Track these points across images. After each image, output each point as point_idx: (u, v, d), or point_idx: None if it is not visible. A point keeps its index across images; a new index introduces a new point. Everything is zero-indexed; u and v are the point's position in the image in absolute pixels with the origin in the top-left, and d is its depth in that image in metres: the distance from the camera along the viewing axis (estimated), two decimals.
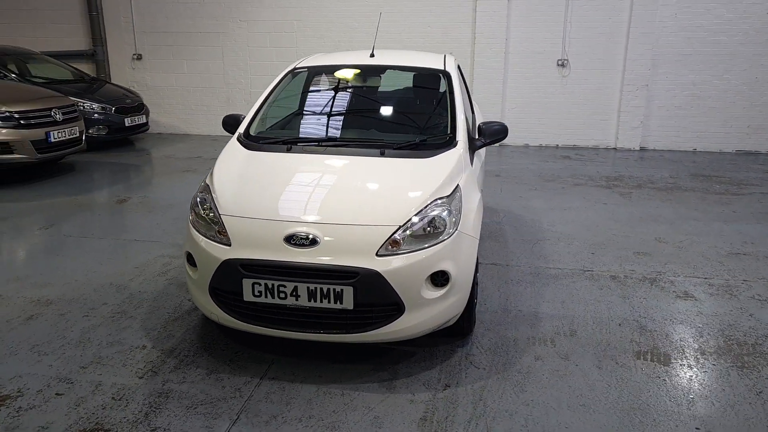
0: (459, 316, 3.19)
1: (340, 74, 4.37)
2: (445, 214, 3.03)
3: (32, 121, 6.78)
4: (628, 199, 6.72)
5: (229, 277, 2.94)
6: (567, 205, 6.45)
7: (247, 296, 2.93)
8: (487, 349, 3.35)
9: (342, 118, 4.08)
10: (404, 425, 2.67)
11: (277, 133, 3.81)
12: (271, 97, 4.09)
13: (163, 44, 10.65)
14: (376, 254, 2.85)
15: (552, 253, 4.92)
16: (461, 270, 3.04)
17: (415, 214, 2.97)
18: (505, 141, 10.72)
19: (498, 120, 5.01)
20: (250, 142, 3.66)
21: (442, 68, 4.16)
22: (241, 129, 3.82)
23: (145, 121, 9.68)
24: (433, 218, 3.00)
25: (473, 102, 5.17)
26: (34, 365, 3.11)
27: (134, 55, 10.77)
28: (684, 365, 3.22)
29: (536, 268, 4.60)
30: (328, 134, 3.81)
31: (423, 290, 2.92)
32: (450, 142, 3.56)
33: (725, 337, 3.54)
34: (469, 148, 3.73)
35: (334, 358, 3.20)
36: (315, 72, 4.38)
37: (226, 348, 3.31)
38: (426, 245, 2.93)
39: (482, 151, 4.70)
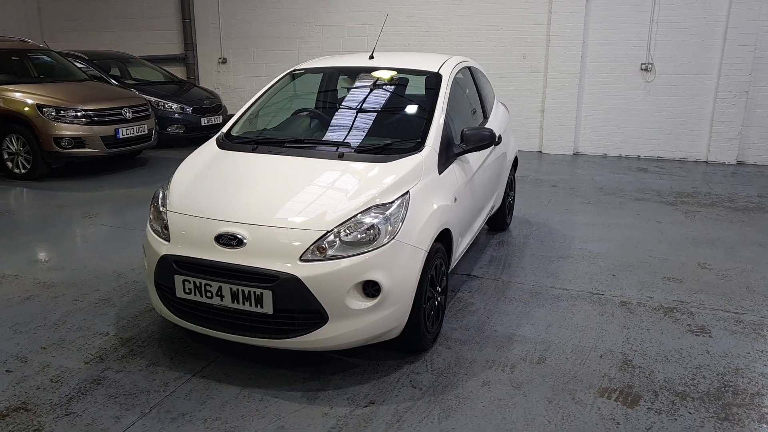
0: (400, 330, 3.01)
1: (334, 76, 4.31)
2: (378, 221, 2.87)
3: (104, 119, 7.38)
4: (690, 219, 6.02)
5: (166, 273, 2.99)
6: (614, 221, 5.91)
7: (179, 293, 2.96)
8: (435, 368, 3.14)
9: (319, 119, 4.02)
10: None
11: (254, 133, 3.82)
12: (263, 98, 4.13)
13: (245, 48, 11.19)
14: (300, 259, 2.77)
15: (567, 272, 4.52)
16: (397, 281, 2.87)
17: (346, 220, 2.84)
18: (581, 149, 10.15)
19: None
20: (225, 141, 3.71)
21: (435, 71, 3.97)
22: (225, 128, 3.88)
23: (221, 121, 10.19)
24: (367, 225, 2.85)
25: (490, 105, 4.87)
26: (4, 342, 3.36)
27: (219, 58, 11.41)
28: (652, 410, 2.80)
29: (540, 287, 4.25)
30: (298, 135, 3.77)
31: (348, 300, 2.79)
32: (416, 148, 3.37)
33: (722, 382, 3.04)
34: (446, 155, 3.51)
35: (274, 362, 3.15)
36: (311, 73, 4.36)
37: (179, 342, 3.37)
38: (354, 253, 2.79)
39: (493, 158, 4.44)
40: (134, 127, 7.73)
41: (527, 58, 9.73)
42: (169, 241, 3.03)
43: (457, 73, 4.14)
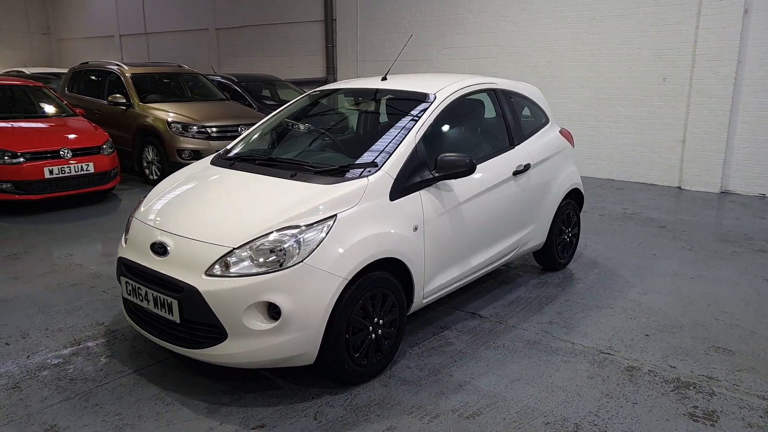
0: (312, 358, 2.90)
1: (341, 98, 4.29)
2: (289, 243, 2.82)
3: (225, 134, 8.21)
4: None
5: (118, 273, 3.27)
6: (704, 273, 4.98)
7: (123, 293, 3.21)
8: (352, 404, 2.96)
9: (299, 138, 4.02)
10: None
11: (246, 150, 3.96)
12: (276, 117, 4.27)
13: (378, 72, 11.60)
14: (205, 272, 2.83)
15: (589, 325, 3.93)
16: (302, 306, 2.78)
17: (253, 239, 2.84)
18: (732, 187, 8.70)
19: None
20: (217, 156, 3.92)
21: (425, 93, 3.76)
22: (229, 145, 4.10)
23: None
24: (276, 246, 2.81)
25: (526, 131, 4.43)
26: (24, 319, 3.93)
27: None
28: None
29: (544, 336, 3.76)
30: (272, 154, 3.82)
31: (246, 319, 2.77)
32: (370, 171, 3.23)
33: None
34: (408, 181, 3.30)
35: (211, 371, 3.23)
36: (322, 95, 4.40)
37: (148, 341, 3.61)
38: (259, 272, 2.78)
39: (518, 190, 4.07)
40: None
41: (668, 81, 8.65)
42: (125, 245, 3.31)
43: (460, 97, 3.88)
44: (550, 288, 4.60)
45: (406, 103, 3.77)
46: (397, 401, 3.00)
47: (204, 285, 2.80)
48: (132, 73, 8.80)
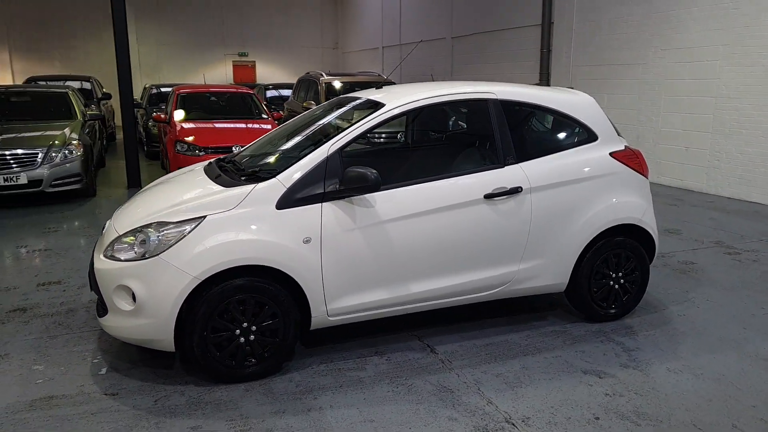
0: (169, 345, 3.12)
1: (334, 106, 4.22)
2: (152, 237, 3.09)
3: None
4: None
5: None
6: None
7: None
8: (192, 398, 3.08)
9: (275, 144, 4.00)
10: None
11: (237, 155, 4.23)
12: (288, 125, 4.43)
13: (589, 77, 10.54)
14: (103, 253, 3.28)
15: (542, 390, 3.19)
16: (154, 296, 3.04)
17: (131, 229, 3.19)
18: None
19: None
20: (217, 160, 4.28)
21: (383, 103, 3.50)
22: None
23: None
24: (140, 238, 3.12)
25: (528, 147, 3.72)
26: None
27: (569, 87, 11.10)
28: None
29: (467, 387, 3.21)
30: (241, 158, 3.98)
31: (116, 298, 3.15)
32: (266, 178, 3.26)
33: None
34: (306, 191, 3.21)
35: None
36: (339, 102, 4.37)
37: None
38: (126, 258, 3.13)
39: (498, 216, 3.58)
40: None
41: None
42: None
43: (417, 109, 3.52)
44: (557, 340, 3.81)
45: (360, 113, 3.62)
46: (237, 406, 3.00)
47: (98, 264, 3.27)
48: (325, 82, 9.87)
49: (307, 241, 3.21)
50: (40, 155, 7.10)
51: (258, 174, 3.40)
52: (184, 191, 3.48)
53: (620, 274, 4.02)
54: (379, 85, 4.12)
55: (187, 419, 2.91)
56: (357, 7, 21.40)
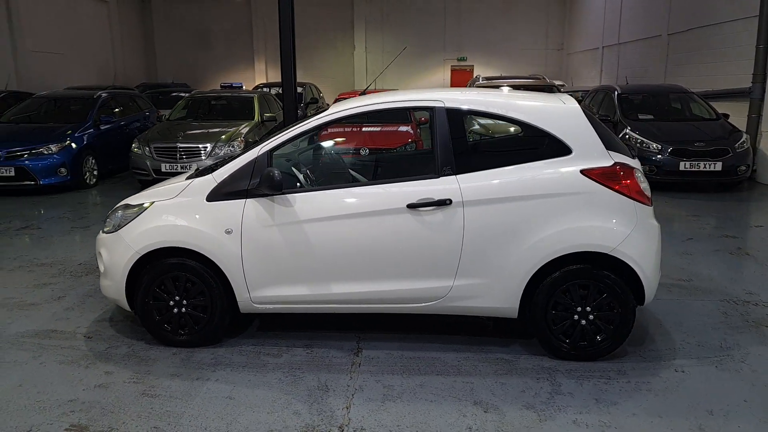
0: (125, 305, 3.81)
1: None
2: (119, 215, 3.83)
3: None
4: None
5: None
6: None
7: None
8: (99, 353, 3.72)
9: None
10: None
11: None
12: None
13: None
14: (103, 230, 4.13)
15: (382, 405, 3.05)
16: (112, 263, 3.77)
17: (113, 209, 3.97)
18: None
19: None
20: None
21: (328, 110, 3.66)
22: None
23: (718, 168, 8.54)
24: (113, 215, 3.89)
25: (444, 160, 3.40)
26: None
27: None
28: None
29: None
30: None
31: (98, 261, 3.97)
32: (204, 175, 3.74)
33: None
34: (232, 187, 3.59)
35: None
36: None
37: None
38: (105, 231, 3.91)
39: (426, 228, 3.51)
40: None
41: None
42: None
43: (350, 116, 3.57)
44: (490, 367, 3.48)
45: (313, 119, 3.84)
46: (151, 364, 3.54)
47: (100, 234, 4.14)
48: (479, 86, 9.78)
49: (228, 231, 3.59)
50: (208, 149, 8.67)
51: (210, 170, 3.89)
52: (171, 182, 4.16)
53: (587, 309, 3.48)
54: (363, 91, 4.23)
55: (109, 365, 3.56)
56: (585, 5, 20.19)
